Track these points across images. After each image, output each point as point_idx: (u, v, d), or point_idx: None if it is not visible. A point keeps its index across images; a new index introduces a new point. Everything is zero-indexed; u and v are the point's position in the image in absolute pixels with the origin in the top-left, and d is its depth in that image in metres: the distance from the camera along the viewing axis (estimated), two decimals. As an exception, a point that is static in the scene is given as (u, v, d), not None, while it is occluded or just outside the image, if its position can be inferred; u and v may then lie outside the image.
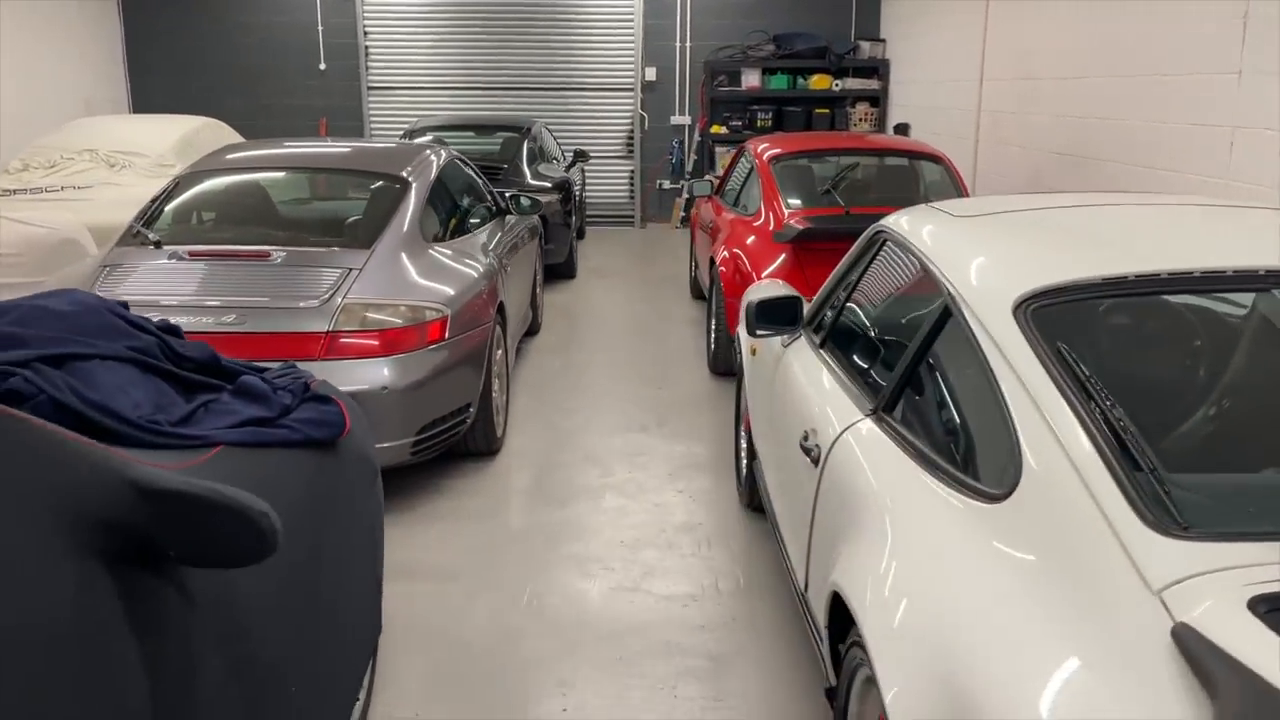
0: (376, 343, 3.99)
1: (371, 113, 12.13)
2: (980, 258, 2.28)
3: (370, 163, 5.21)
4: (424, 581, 3.59)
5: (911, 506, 2.01)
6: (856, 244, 3.08)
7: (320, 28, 11.81)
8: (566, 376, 6.11)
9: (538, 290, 6.97)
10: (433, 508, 4.23)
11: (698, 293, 8.13)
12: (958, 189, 6.11)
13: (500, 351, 4.98)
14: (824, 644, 2.37)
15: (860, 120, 11.51)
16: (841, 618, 2.20)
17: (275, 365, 2.71)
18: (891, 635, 1.78)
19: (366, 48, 11.95)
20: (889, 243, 2.85)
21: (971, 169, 8.09)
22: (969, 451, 2.03)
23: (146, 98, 11.84)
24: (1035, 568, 1.65)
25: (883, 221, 2.93)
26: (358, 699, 2.65)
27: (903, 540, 1.96)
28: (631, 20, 11.88)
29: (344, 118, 12.00)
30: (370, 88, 12.08)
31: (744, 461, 4.23)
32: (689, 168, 12.11)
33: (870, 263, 2.92)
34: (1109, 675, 1.40)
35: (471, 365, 4.39)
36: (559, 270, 8.98)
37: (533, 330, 6.94)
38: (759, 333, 3.24)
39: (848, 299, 2.96)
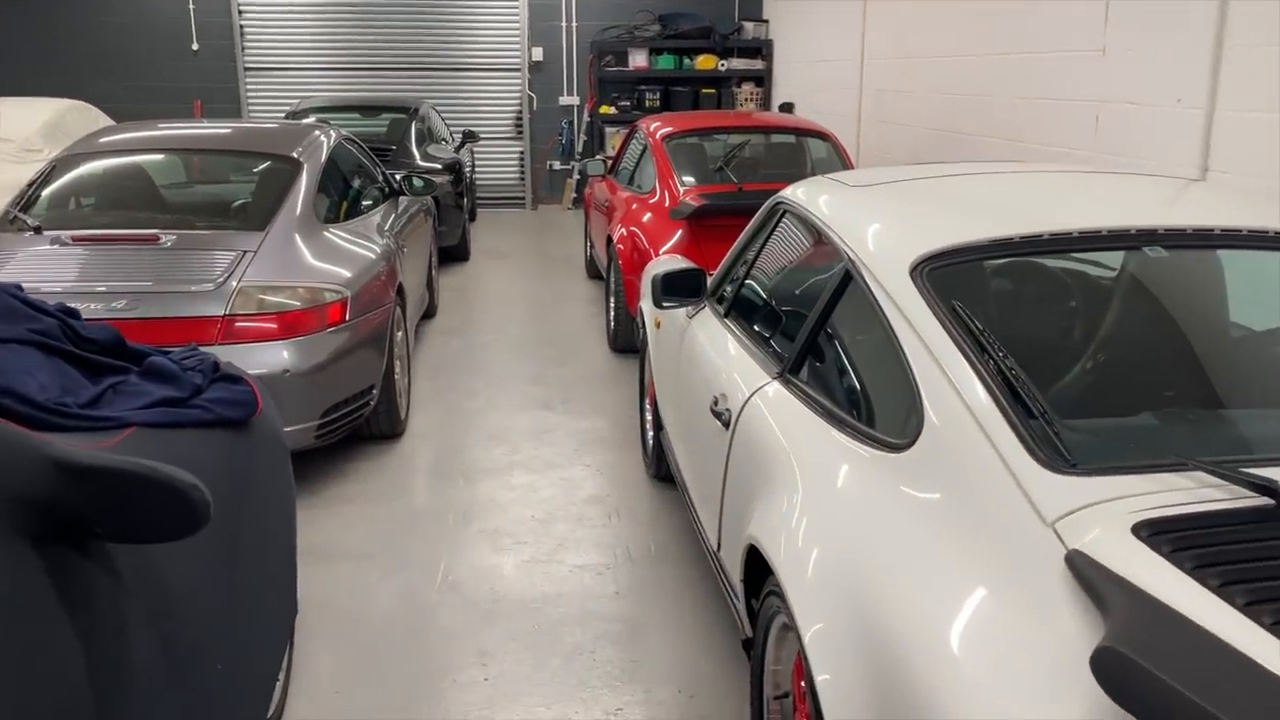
0: (275, 326, 3.92)
1: (249, 94, 11.76)
2: (877, 224, 2.40)
3: (258, 143, 5.09)
4: (336, 563, 3.56)
5: (821, 460, 2.12)
6: (756, 216, 3.18)
7: (191, 6, 11.37)
8: (467, 358, 6.09)
9: (433, 272, 6.91)
10: (340, 491, 4.19)
11: (594, 272, 8.18)
12: (844, 165, 6.31)
13: (400, 333, 4.94)
14: (739, 599, 2.47)
15: (746, 99, 11.71)
16: (756, 571, 2.30)
17: (178, 349, 2.66)
18: (808, 579, 1.88)
19: (242, 27, 11.57)
20: (788, 214, 2.95)
21: (855, 145, 8.34)
22: (873, 406, 2.15)
23: (2, 81, 11.21)
24: (939, 508, 1.77)
25: (781, 194, 3.03)
26: (278, 679, 2.63)
27: (814, 491, 2.06)
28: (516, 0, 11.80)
29: (220, 100, 11.61)
30: (247, 68, 11.70)
31: (649, 433, 4.32)
32: (579, 148, 12.12)
33: (771, 234, 3.03)
34: (1010, 600, 1.53)
35: (373, 347, 4.35)
36: (452, 252, 8.92)
37: (429, 313, 6.89)
38: (665, 305, 3.31)
39: (750, 270, 3.06)
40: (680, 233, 5.56)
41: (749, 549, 2.25)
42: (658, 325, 3.84)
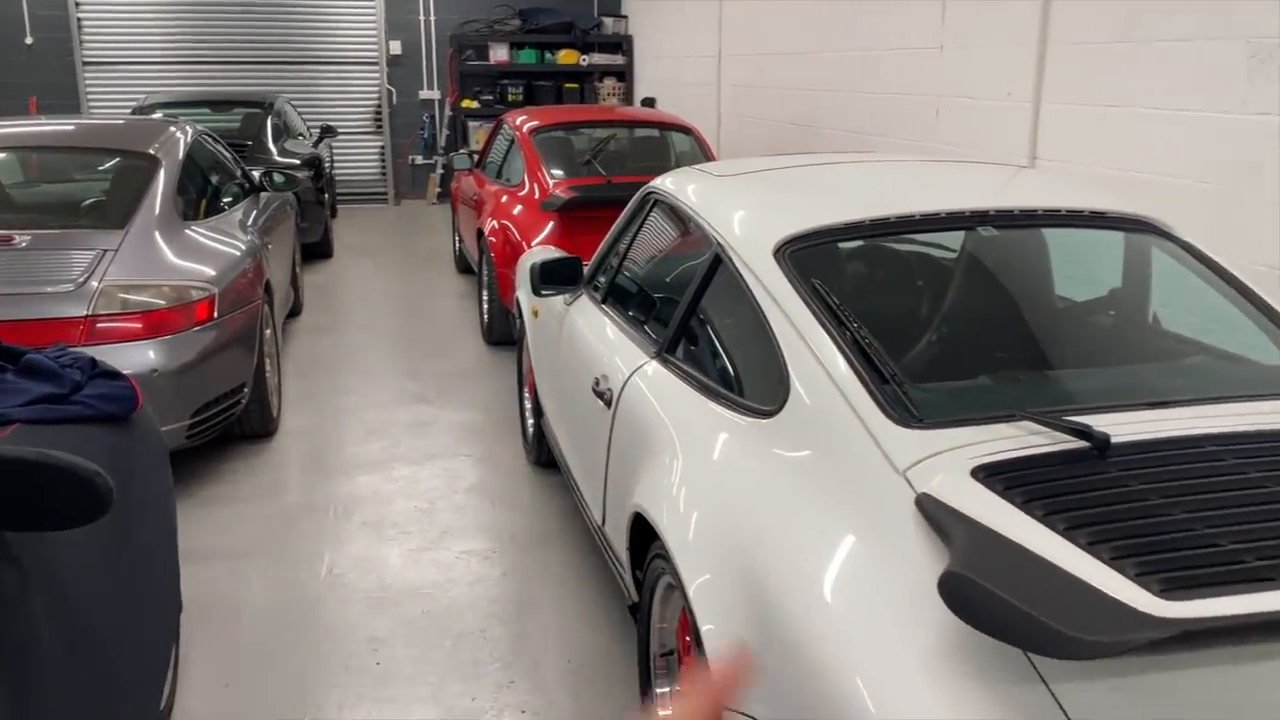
0: (140, 325, 3.84)
1: (89, 90, 11.22)
2: (742, 211, 2.57)
3: (112, 140, 4.93)
4: (216, 563, 3.53)
5: (699, 430, 2.27)
6: (628, 206, 3.32)
7: (23, -4, 10.78)
8: (337, 356, 6.04)
9: (297, 270, 6.81)
10: (215, 492, 4.13)
11: (464, 267, 8.19)
12: (706, 157, 6.53)
13: (270, 331, 4.88)
14: (625, 568, 2.61)
15: (609, 94, 11.87)
16: (641, 540, 2.44)
17: (49, 348, 2.62)
18: (690, 538, 2.03)
19: (80, 20, 11.02)
20: (659, 203, 3.10)
21: (717, 139, 8.60)
22: (744, 378, 2.31)
23: None
24: (806, 465, 1.94)
25: (652, 184, 3.18)
26: (167, 675, 2.63)
27: (694, 458, 2.21)
28: (373, -8, 11.63)
29: (57, 95, 11.03)
30: (86, 63, 11.17)
31: (529, 421, 4.41)
32: (442, 143, 12.04)
33: (643, 223, 3.17)
34: (871, 541, 1.71)
35: (243, 345, 4.30)
36: (315, 249, 8.76)
37: (295, 311, 6.78)
38: (543, 293, 3.42)
39: (625, 257, 3.20)
40: (551, 224, 5.66)
41: (634, 518, 2.38)
42: (536, 315, 3.94)
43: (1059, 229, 2.51)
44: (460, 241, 8.11)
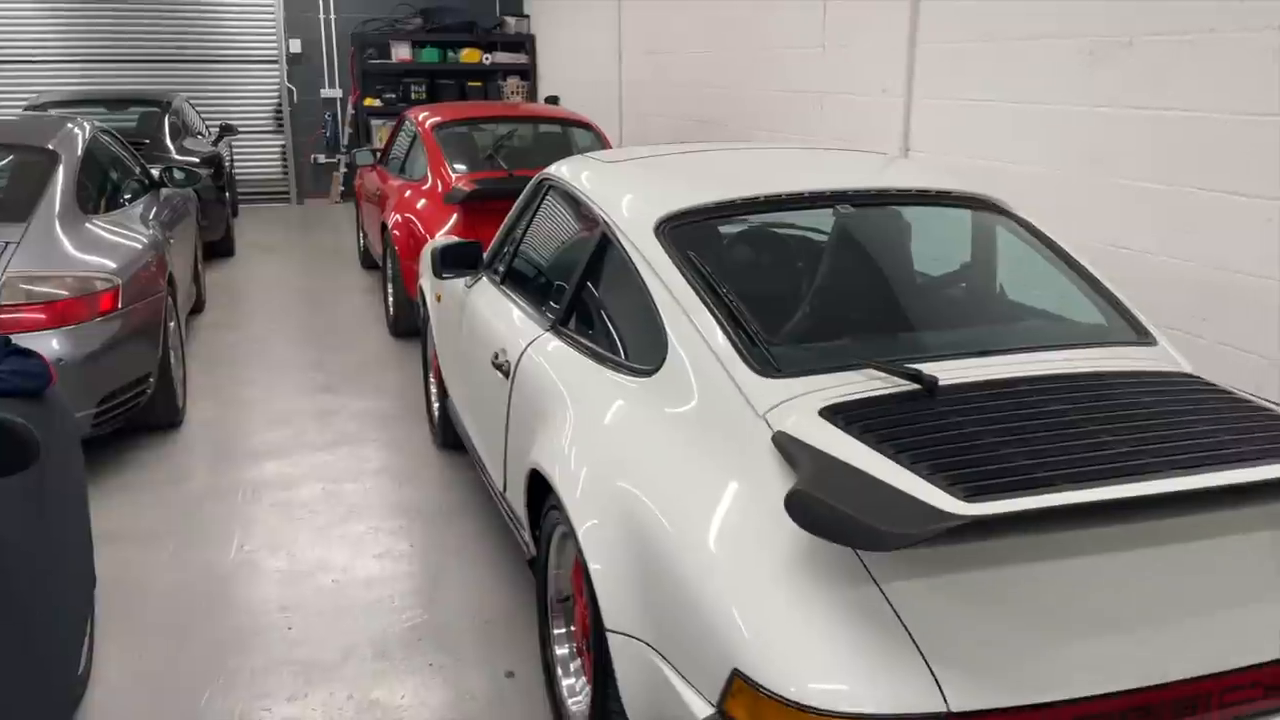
0: (44, 315, 3.88)
1: (-26, 88, 10.90)
2: (627, 193, 2.79)
3: (11, 135, 4.92)
4: (128, 545, 3.61)
5: (588, 391, 2.48)
6: (524, 192, 3.51)
7: (-100, -10, 10.42)
8: (241, 349, 6.08)
9: (199, 266, 6.80)
10: (122, 480, 4.18)
11: (369, 263, 8.25)
12: (606, 152, 6.74)
13: (173, 323, 4.93)
14: (524, 526, 2.80)
15: (513, 93, 12.00)
16: (538, 497, 2.63)
17: (-44, 331, 2.70)
18: (580, 486, 2.23)
19: (-39, 14, 10.71)
20: (552, 189, 3.30)
21: (619, 135, 8.83)
22: (628, 343, 2.53)
23: None
24: (681, 416, 2.16)
25: (545, 171, 3.38)
26: (83, 643, 2.72)
27: (584, 417, 2.42)
28: (271, -10, 11.55)
29: (-60, 92, 10.70)
30: (-29, 59, 10.85)
31: (434, 404, 4.57)
32: (344, 141, 12.02)
33: (538, 208, 3.37)
34: (736, 475, 1.94)
35: (147, 336, 4.36)
36: (217, 248, 8.71)
37: (198, 308, 6.78)
38: (444, 275, 3.59)
39: (521, 241, 3.39)
40: (454, 217, 5.80)
41: (531, 475, 2.58)
42: (439, 299, 4.10)
43: (911, 207, 2.79)
44: (364, 237, 8.17)
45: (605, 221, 2.73)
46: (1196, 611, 1.70)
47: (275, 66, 11.80)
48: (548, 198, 3.33)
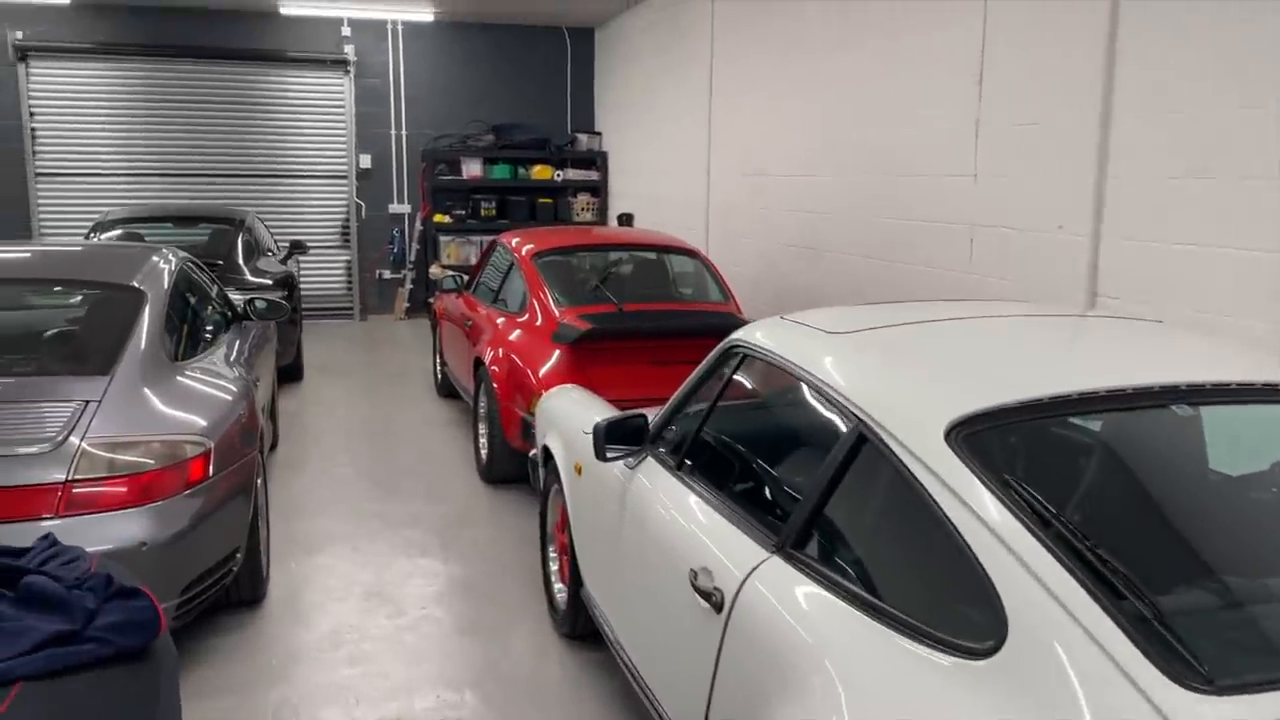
0: (126, 489, 3.32)
1: (41, 203, 10.73)
2: (891, 382, 2.20)
3: (90, 271, 4.47)
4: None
5: (868, 665, 1.84)
6: (707, 359, 2.93)
7: (-25, 105, 10.33)
8: (317, 496, 5.51)
9: (275, 400, 6.30)
10: (201, 680, 3.56)
11: (447, 391, 7.73)
12: (717, 283, 6.23)
13: (260, 479, 4.37)
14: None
15: (583, 210, 11.67)
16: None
17: (39, 544, 2.14)
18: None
19: (34, 130, 10.58)
20: (748, 359, 2.73)
21: (708, 259, 8.35)
22: (925, 598, 1.90)
23: None
24: (1063, 737, 1.52)
25: (736, 336, 2.81)
26: None
27: (862, 704, 1.78)
28: (342, 105, 11.39)
29: (5, 208, 10.49)
30: (39, 174, 10.70)
31: (556, 587, 3.94)
32: (411, 257, 11.70)
33: (728, 381, 2.79)
34: None
35: (238, 503, 3.79)
36: (286, 372, 8.24)
37: (271, 445, 6.25)
38: (610, 457, 2.99)
39: (706, 420, 2.80)
40: (558, 355, 5.27)
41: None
42: (579, 471, 3.50)
43: (1254, 406, 2.17)
44: (443, 365, 7.67)
45: (861, 418, 2.13)
46: None
47: (345, 182, 11.57)
48: (743, 370, 2.75)
